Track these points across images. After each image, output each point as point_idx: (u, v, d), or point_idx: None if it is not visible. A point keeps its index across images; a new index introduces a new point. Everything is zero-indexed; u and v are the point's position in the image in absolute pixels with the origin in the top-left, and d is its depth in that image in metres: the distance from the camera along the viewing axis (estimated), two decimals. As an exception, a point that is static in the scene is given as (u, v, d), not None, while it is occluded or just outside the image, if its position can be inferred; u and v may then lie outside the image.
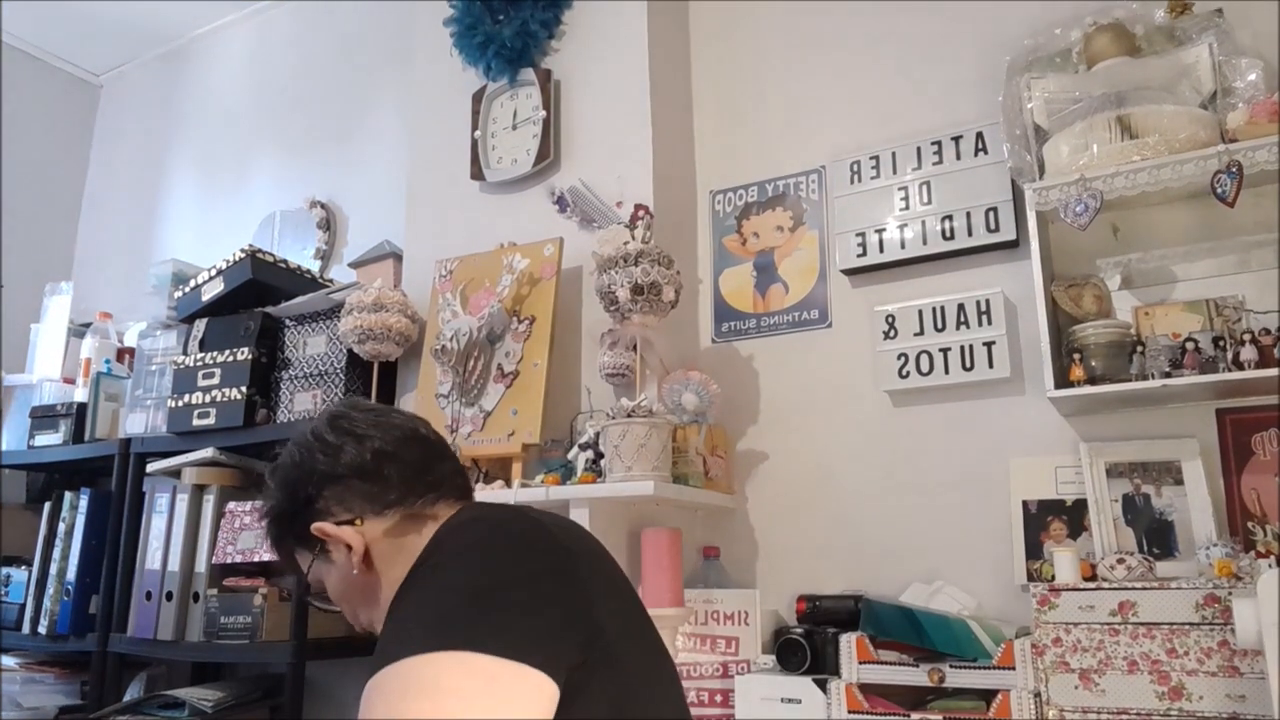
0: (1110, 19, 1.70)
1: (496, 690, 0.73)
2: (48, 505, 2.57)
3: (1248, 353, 1.48)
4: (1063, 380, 1.59)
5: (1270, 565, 1.35)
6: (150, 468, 2.35)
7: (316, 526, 0.99)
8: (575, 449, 1.85)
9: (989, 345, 1.80)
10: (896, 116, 2.02)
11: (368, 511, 1.00)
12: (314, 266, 2.73)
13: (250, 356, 2.27)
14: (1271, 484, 1.56)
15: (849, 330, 2.00)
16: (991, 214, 1.85)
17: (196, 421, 2.29)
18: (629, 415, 1.71)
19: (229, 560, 2.10)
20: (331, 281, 2.53)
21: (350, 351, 2.16)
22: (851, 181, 2.02)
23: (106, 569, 2.40)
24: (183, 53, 3.49)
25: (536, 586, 0.83)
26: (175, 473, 2.29)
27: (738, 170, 2.21)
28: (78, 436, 2.62)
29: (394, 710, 0.72)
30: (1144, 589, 1.41)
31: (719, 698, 1.76)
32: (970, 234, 1.86)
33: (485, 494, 1.84)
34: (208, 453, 2.22)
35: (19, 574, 2.56)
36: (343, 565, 1.00)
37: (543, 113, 2.19)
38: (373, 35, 2.94)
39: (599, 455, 1.77)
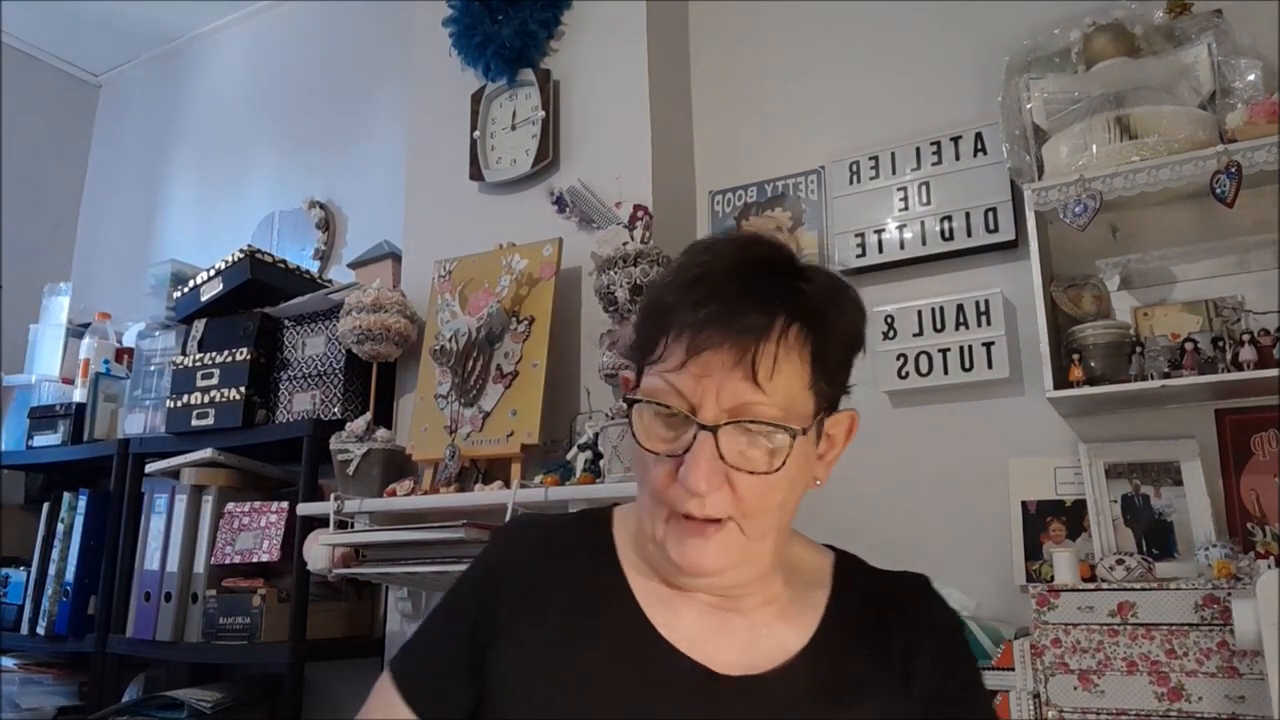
0: (1109, 19, 1.70)
1: None
2: (46, 506, 2.58)
3: (1247, 353, 1.48)
4: (1062, 381, 1.59)
5: (1269, 566, 1.35)
6: (149, 468, 2.35)
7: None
8: (574, 449, 1.84)
9: (988, 346, 1.80)
10: (896, 117, 2.02)
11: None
12: (313, 267, 2.73)
13: (249, 357, 2.26)
14: (1271, 484, 1.55)
15: (848, 330, 1.99)
16: (990, 214, 1.84)
17: (195, 422, 2.28)
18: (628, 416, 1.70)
19: (227, 561, 2.10)
20: (330, 282, 2.53)
21: (349, 352, 2.16)
22: (850, 182, 2.02)
23: (105, 569, 2.40)
24: (181, 53, 3.49)
25: None
26: (174, 473, 2.29)
27: (737, 170, 2.20)
28: (76, 437, 2.62)
29: None
30: (1143, 590, 1.41)
31: (718, 698, 1.75)
32: (969, 234, 1.86)
33: (486, 494, 1.84)
34: (206, 453, 2.22)
35: (17, 575, 2.56)
36: (807, 457, 0.85)
37: (542, 113, 2.19)
38: (372, 35, 2.94)
39: (598, 456, 1.77)
